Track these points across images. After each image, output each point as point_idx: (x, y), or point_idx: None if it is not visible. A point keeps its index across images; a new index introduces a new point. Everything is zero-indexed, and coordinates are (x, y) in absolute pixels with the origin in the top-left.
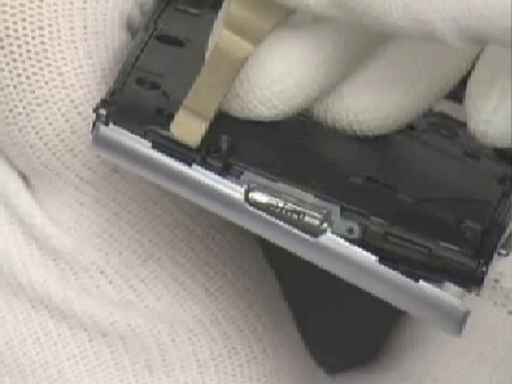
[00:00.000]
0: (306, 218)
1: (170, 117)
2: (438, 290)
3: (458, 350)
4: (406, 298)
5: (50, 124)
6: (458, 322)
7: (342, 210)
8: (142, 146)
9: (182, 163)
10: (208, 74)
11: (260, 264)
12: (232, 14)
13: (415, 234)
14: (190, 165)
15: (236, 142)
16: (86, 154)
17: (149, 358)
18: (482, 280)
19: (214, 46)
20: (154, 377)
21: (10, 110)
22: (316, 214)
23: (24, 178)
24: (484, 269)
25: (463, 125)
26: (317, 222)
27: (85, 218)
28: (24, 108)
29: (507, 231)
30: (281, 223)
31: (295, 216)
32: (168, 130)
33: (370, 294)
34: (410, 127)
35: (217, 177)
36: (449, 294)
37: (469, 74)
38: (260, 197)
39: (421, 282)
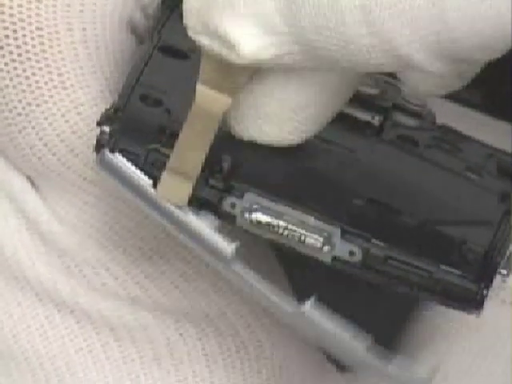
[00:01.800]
0: (308, 240)
1: (173, 135)
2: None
3: (467, 347)
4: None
5: (50, 124)
6: None
7: (343, 232)
8: (143, 183)
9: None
10: (189, 131)
11: (268, 259)
12: (205, 69)
13: (416, 257)
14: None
15: (238, 163)
16: (87, 154)
17: (157, 351)
18: (483, 303)
19: (193, 103)
20: (163, 370)
21: (10, 111)
22: (317, 237)
23: (28, 177)
24: (485, 292)
25: (466, 138)
26: (318, 245)
27: (89, 216)
28: (24, 108)
29: (508, 251)
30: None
31: (296, 238)
32: (170, 148)
33: (378, 291)
34: (414, 143)
35: (212, 231)
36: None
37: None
38: (261, 217)
39: (392, 363)
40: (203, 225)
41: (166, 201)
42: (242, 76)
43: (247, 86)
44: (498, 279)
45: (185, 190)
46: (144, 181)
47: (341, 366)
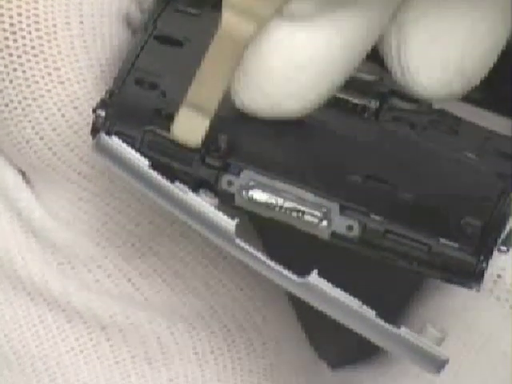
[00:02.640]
0: (306, 217)
1: (168, 117)
2: (418, 337)
3: (460, 344)
4: (387, 342)
5: (46, 119)
6: (437, 368)
7: (342, 207)
8: (141, 164)
9: (180, 164)
10: (212, 60)
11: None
12: None
13: (414, 231)
14: (189, 164)
15: (235, 142)
16: (83, 149)
17: (148, 350)
18: (482, 276)
19: (218, 29)
20: (154, 369)
21: (6, 105)
22: (315, 212)
23: (22, 173)
24: (484, 265)
25: (463, 121)
26: (316, 221)
27: (83, 212)
28: (20, 103)
29: (507, 227)
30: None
31: (294, 214)
32: (166, 130)
33: (371, 288)
34: (411, 125)
35: (212, 208)
36: (429, 341)
37: None
38: (259, 195)
39: (402, 328)
40: (204, 203)
41: (180, 141)
42: (269, 6)
43: (254, 41)
44: (498, 255)
45: (200, 128)
46: (141, 161)
47: (333, 365)
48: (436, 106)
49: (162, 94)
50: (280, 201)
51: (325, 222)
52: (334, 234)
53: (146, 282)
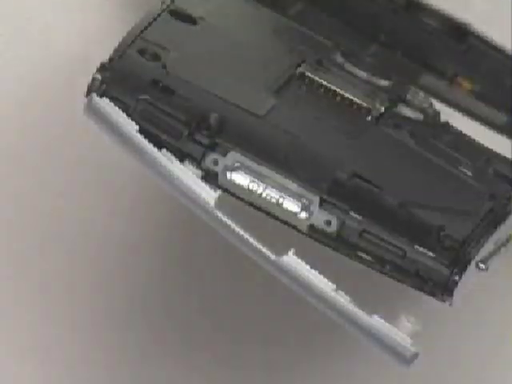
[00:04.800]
0: (286, 205)
1: (165, 89)
2: (390, 327)
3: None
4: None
5: None
6: (406, 361)
7: (322, 201)
8: (129, 128)
9: (169, 136)
10: None
11: None
12: None
13: (391, 235)
14: (177, 138)
15: (226, 121)
16: None
17: None
18: (453, 290)
19: None
20: None
21: None
22: (296, 203)
23: None
24: (456, 278)
25: (467, 138)
26: (296, 210)
27: None
28: None
29: (489, 246)
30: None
31: (274, 201)
32: (160, 101)
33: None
34: (411, 133)
35: (195, 178)
36: (400, 332)
37: None
38: (242, 178)
39: (374, 316)
40: (188, 172)
41: None
42: None
43: None
44: (475, 273)
45: None
46: (130, 126)
47: None
48: (443, 119)
49: (162, 66)
50: (262, 186)
51: (304, 214)
52: (312, 227)
53: None
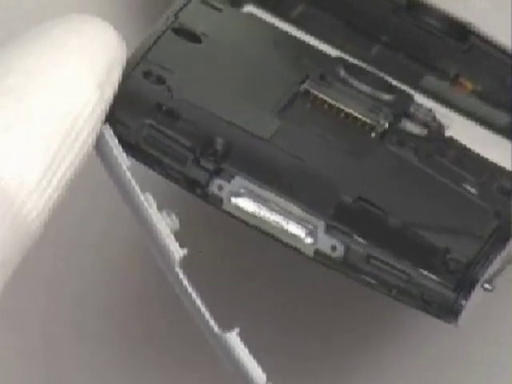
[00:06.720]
0: (291, 230)
1: (169, 113)
2: None
3: None
4: None
5: None
6: None
7: (328, 226)
8: (122, 162)
9: (174, 162)
10: None
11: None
12: None
13: (397, 259)
14: (182, 164)
15: (231, 145)
16: None
17: None
18: (459, 313)
19: None
20: None
21: None
22: (302, 228)
23: None
24: (462, 303)
25: (471, 153)
26: (302, 236)
27: None
28: None
29: (495, 266)
30: None
31: (280, 227)
32: (165, 126)
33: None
34: (415, 151)
35: (168, 232)
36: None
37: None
38: (247, 203)
39: None
40: (162, 223)
41: None
42: None
43: None
44: (481, 293)
45: None
46: (124, 160)
47: None
48: (447, 134)
49: (167, 89)
50: (267, 212)
51: (309, 239)
52: (317, 253)
53: None
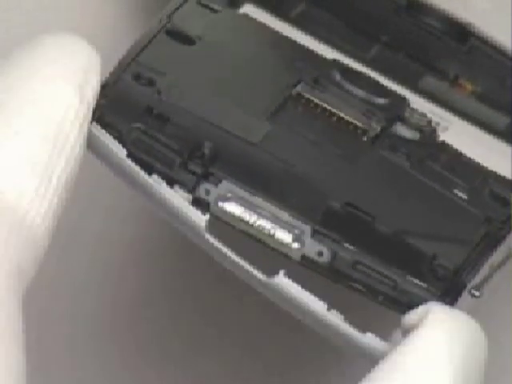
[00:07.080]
0: (278, 235)
1: (158, 117)
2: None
3: None
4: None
5: None
6: None
7: (314, 232)
8: (119, 153)
9: (161, 165)
10: None
11: None
12: None
13: (384, 266)
14: (170, 167)
15: (219, 149)
16: None
17: None
18: None
19: None
20: None
21: None
22: (288, 233)
23: None
24: None
25: (463, 158)
26: (289, 241)
27: None
28: None
29: (483, 272)
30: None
31: (267, 231)
32: (154, 129)
33: None
34: (406, 156)
35: (185, 203)
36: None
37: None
38: (234, 208)
39: (368, 334)
40: (177, 197)
41: None
42: None
43: None
44: (469, 300)
45: None
46: (120, 151)
47: None
48: (445, 136)
49: (157, 92)
50: (254, 216)
51: (296, 244)
52: (304, 258)
53: None
